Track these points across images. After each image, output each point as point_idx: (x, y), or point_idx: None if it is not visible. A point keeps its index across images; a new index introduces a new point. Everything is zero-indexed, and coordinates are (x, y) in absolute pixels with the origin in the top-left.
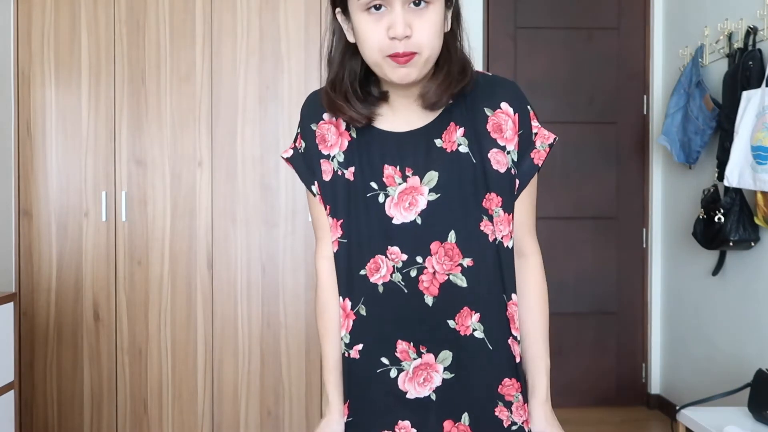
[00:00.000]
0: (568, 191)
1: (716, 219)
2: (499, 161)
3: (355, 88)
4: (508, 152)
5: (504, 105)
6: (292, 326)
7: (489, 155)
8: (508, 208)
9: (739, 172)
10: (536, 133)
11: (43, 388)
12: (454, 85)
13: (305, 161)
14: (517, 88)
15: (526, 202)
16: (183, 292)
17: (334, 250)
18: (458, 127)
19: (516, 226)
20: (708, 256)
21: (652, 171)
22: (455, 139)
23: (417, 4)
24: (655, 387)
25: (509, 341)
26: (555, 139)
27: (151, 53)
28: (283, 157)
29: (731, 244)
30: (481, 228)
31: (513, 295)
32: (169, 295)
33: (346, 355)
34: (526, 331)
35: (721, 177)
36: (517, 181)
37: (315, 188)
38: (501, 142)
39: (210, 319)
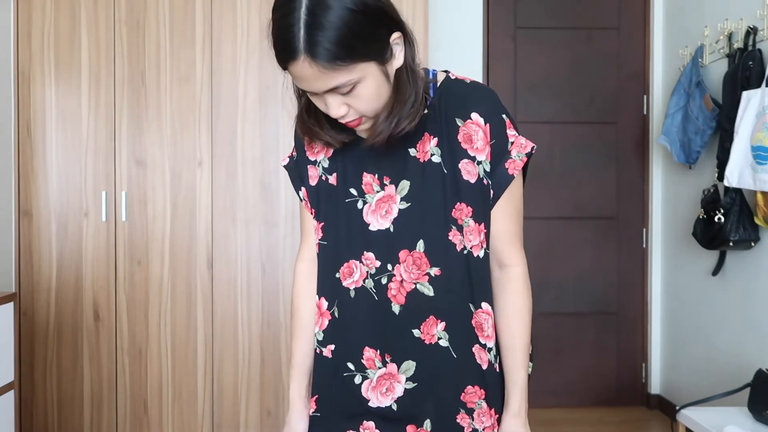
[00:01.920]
0: (568, 191)
1: (716, 219)
2: (470, 172)
3: (326, 117)
4: (479, 162)
5: (474, 115)
6: None
7: (460, 165)
8: (479, 218)
9: (739, 172)
10: (512, 143)
11: (43, 388)
12: (405, 123)
13: (296, 168)
14: (490, 97)
15: (505, 211)
16: (183, 292)
17: (316, 252)
18: (432, 137)
19: (495, 237)
20: (708, 256)
21: (652, 171)
22: (428, 149)
23: (344, 93)
24: (655, 387)
25: (474, 349)
26: (533, 148)
27: (151, 53)
28: (282, 165)
29: (731, 244)
30: (449, 238)
31: (483, 304)
32: (169, 295)
33: (318, 351)
34: (504, 343)
35: (721, 177)
36: (492, 192)
37: (302, 194)
38: (471, 153)
39: (210, 319)
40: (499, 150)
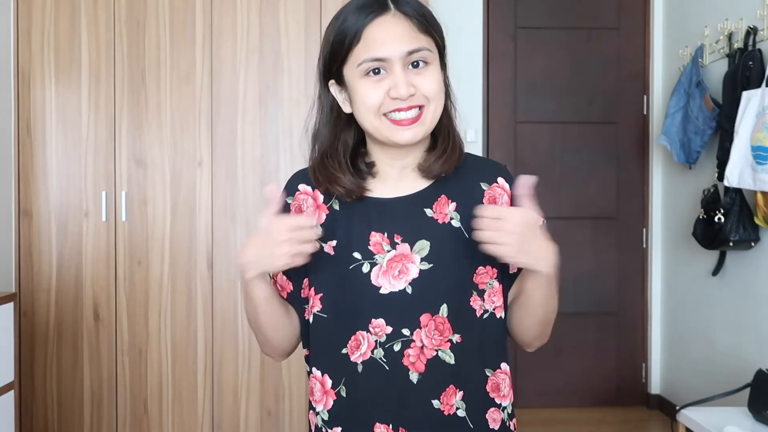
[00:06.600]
0: (568, 191)
1: (716, 219)
2: None
3: (347, 160)
4: None
5: (500, 180)
6: None
7: None
8: (503, 279)
9: (739, 172)
10: None
11: (43, 388)
12: (453, 160)
13: None
14: (508, 170)
15: None
16: (183, 292)
17: (310, 320)
18: (450, 201)
19: None
20: (708, 256)
21: (652, 171)
22: (447, 212)
23: (416, 66)
24: (655, 387)
25: (487, 415)
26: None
27: (151, 53)
28: None
29: (731, 244)
30: (471, 303)
31: (503, 365)
32: (169, 295)
33: (324, 431)
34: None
35: (721, 177)
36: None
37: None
38: None
39: (210, 319)
40: None
